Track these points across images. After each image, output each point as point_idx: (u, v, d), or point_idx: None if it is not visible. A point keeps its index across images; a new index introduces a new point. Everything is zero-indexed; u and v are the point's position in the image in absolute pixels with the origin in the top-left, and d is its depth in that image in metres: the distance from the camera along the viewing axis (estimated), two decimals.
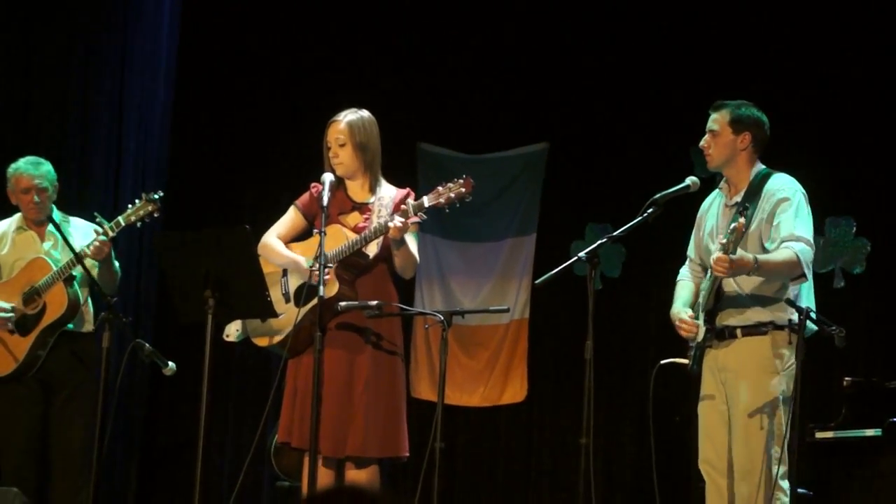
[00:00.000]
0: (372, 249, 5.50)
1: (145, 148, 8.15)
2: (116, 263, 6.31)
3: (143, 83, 8.16)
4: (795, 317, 4.98)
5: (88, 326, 6.38)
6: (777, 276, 5.09)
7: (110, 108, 8.02)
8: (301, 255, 5.55)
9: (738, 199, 5.24)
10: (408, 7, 8.55)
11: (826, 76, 7.76)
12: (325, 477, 5.43)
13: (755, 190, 5.21)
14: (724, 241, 4.88)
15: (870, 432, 6.29)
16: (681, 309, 5.26)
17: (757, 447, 5.07)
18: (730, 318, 5.18)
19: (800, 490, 5.24)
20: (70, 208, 6.62)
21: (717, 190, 5.42)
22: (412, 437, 5.62)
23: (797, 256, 5.02)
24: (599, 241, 5.16)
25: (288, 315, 5.46)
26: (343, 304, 5.36)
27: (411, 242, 5.50)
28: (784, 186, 5.20)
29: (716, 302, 5.16)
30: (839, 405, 6.54)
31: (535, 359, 8.32)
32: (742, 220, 4.88)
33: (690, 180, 5.23)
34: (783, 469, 5.04)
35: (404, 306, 5.70)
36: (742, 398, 5.13)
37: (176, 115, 8.36)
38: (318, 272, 5.26)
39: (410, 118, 8.39)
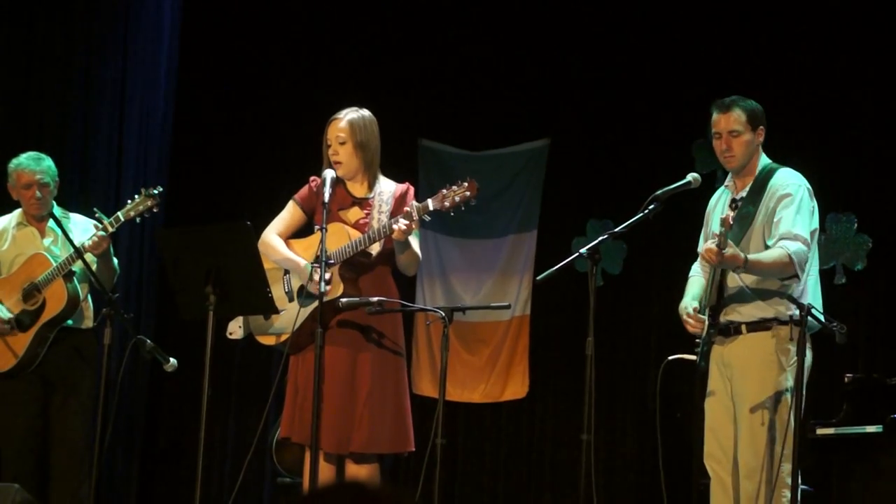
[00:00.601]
0: (374, 248, 5.49)
1: (147, 144, 8.15)
2: (115, 260, 6.31)
3: (144, 77, 8.16)
4: (797, 313, 4.98)
5: (88, 322, 6.38)
6: (768, 276, 5.09)
7: (111, 103, 8.02)
8: (302, 255, 5.54)
9: (744, 193, 5.24)
10: (409, 4, 8.54)
11: (828, 72, 7.75)
12: (326, 473, 5.44)
13: (760, 185, 5.21)
14: (719, 233, 4.89)
15: (871, 429, 6.29)
16: (689, 303, 5.26)
17: (762, 443, 5.07)
18: (733, 314, 5.18)
19: (801, 486, 5.23)
20: (71, 204, 6.62)
21: (723, 186, 5.42)
22: (414, 434, 5.62)
23: (789, 257, 5.01)
24: (601, 238, 5.15)
25: (291, 313, 5.46)
26: (344, 300, 5.36)
27: (413, 240, 5.49)
28: (788, 182, 5.20)
29: (719, 297, 5.16)
30: (840, 402, 6.54)
31: (536, 355, 8.32)
32: (731, 213, 4.89)
33: (691, 177, 5.23)
34: (787, 465, 5.04)
35: (406, 303, 5.70)
36: (748, 394, 5.13)
37: (178, 110, 8.36)
38: (318, 275, 5.26)
39: (412, 115, 8.39)
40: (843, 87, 7.73)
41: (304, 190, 5.69)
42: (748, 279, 5.14)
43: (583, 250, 5.09)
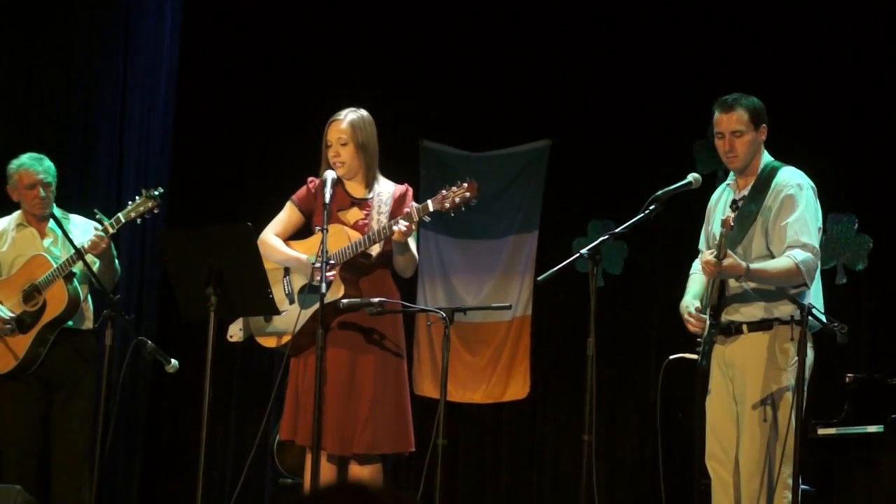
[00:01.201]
0: (374, 249, 5.49)
1: (148, 145, 8.15)
2: (117, 261, 6.31)
3: (145, 78, 8.16)
4: (798, 313, 4.98)
5: (88, 323, 6.38)
6: (773, 284, 5.08)
7: (112, 104, 8.02)
8: (303, 253, 5.55)
9: (746, 192, 5.23)
10: (410, 4, 8.54)
11: (829, 71, 7.76)
12: (328, 473, 5.44)
13: (763, 184, 5.20)
14: (719, 234, 4.88)
15: (872, 429, 6.29)
16: (690, 302, 5.25)
17: (763, 443, 5.07)
18: (735, 314, 5.17)
19: (802, 486, 5.23)
20: (72, 205, 6.62)
21: (724, 184, 5.41)
22: (415, 434, 5.62)
23: (797, 266, 5.00)
24: (601, 238, 5.15)
25: (291, 314, 5.46)
26: (345, 301, 5.36)
27: (411, 242, 5.49)
28: (792, 182, 5.18)
29: (720, 297, 5.16)
30: (841, 402, 6.54)
31: (537, 356, 8.32)
32: (731, 214, 4.88)
33: (692, 177, 5.23)
34: (788, 465, 5.03)
35: (406, 303, 5.70)
36: (749, 394, 5.12)
37: (179, 111, 8.36)
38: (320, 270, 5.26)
39: (413, 115, 8.40)
40: (843, 86, 7.73)
41: (302, 191, 5.69)
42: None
43: (584, 251, 5.09)
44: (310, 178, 5.65)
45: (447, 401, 5.56)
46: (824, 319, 4.96)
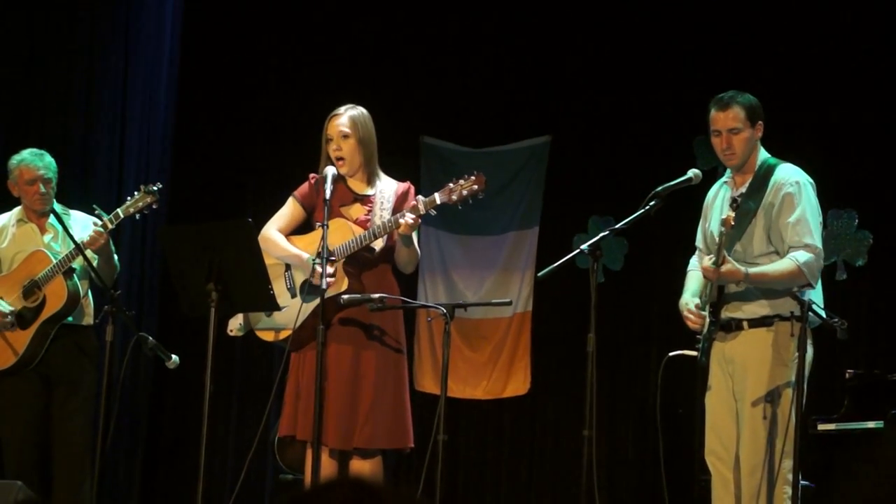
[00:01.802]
0: (378, 244, 5.50)
1: (148, 141, 8.15)
2: (116, 256, 6.31)
3: (146, 74, 8.15)
4: (798, 309, 4.98)
5: (88, 319, 6.37)
6: (775, 287, 5.08)
7: (113, 101, 8.02)
8: (303, 250, 5.55)
9: (744, 189, 5.23)
10: (410, 2, 8.54)
11: (829, 67, 7.75)
12: (329, 468, 5.44)
13: (761, 181, 5.20)
14: (719, 234, 4.88)
15: (872, 424, 6.29)
16: (689, 299, 5.26)
17: (763, 439, 5.07)
18: (735, 311, 5.17)
19: (802, 482, 5.24)
20: (73, 201, 6.62)
21: (721, 181, 5.41)
22: (415, 430, 5.63)
23: (800, 268, 5.01)
24: (602, 234, 5.16)
25: (293, 309, 5.46)
26: (346, 297, 5.37)
27: (414, 237, 5.50)
28: (791, 179, 5.18)
29: (720, 294, 5.16)
30: (841, 397, 6.54)
31: (538, 352, 8.32)
32: (731, 213, 4.88)
33: (692, 173, 5.23)
34: (789, 461, 5.04)
35: (407, 299, 5.71)
36: (749, 390, 5.12)
37: (179, 107, 8.36)
38: (321, 268, 5.26)
39: (413, 112, 8.40)
40: (843, 83, 7.73)
41: (304, 187, 5.69)
42: None
43: (584, 247, 5.09)
44: (311, 174, 5.65)
45: (448, 397, 5.57)
46: (824, 315, 4.97)
